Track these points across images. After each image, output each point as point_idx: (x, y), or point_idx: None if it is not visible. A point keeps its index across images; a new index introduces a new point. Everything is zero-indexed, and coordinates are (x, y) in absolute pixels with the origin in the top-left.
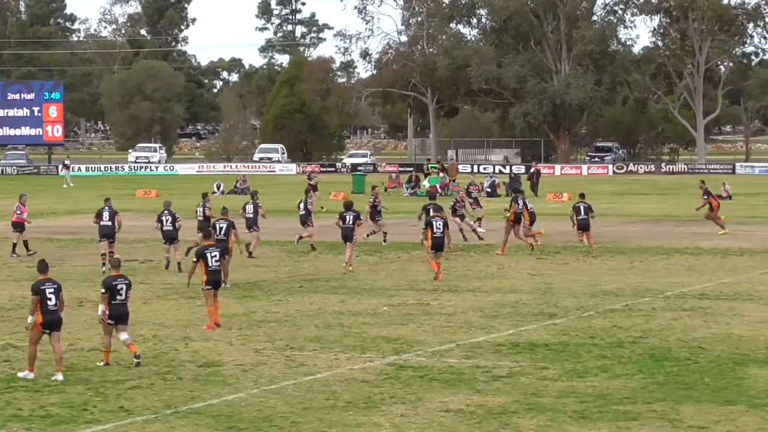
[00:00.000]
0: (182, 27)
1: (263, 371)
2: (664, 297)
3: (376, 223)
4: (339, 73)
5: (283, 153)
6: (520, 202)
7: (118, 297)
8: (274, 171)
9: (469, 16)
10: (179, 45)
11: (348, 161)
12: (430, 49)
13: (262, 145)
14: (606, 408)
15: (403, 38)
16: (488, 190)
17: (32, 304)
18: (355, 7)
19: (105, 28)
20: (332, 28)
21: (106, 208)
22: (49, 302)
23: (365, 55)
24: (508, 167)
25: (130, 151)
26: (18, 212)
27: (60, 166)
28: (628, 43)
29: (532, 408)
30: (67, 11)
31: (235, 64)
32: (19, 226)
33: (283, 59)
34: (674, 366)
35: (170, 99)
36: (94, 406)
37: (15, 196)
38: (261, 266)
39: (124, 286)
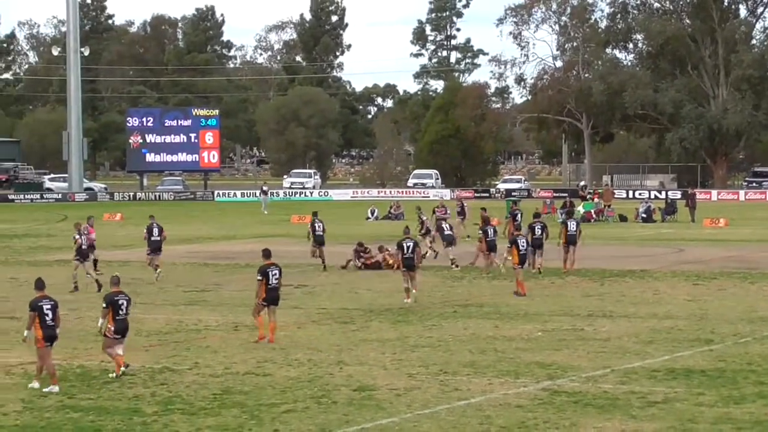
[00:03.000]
0: (337, 53)
1: (417, 396)
2: None
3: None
4: (494, 98)
5: (437, 178)
6: (570, 224)
7: (120, 312)
8: (428, 196)
9: (625, 41)
10: (334, 71)
11: (502, 187)
12: (586, 75)
13: (416, 171)
14: None
15: (559, 63)
16: (644, 215)
17: (30, 320)
18: (511, 33)
19: (261, 54)
20: (487, 53)
21: (155, 225)
22: (47, 317)
23: (520, 80)
24: (663, 192)
25: (285, 176)
26: (86, 233)
27: (258, 192)
28: None
29: None
30: (224, 38)
31: (389, 90)
32: (90, 247)
33: (437, 85)
34: None
35: (325, 125)
36: (249, 430)
37: (172, 221)
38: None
39: (125, 302)
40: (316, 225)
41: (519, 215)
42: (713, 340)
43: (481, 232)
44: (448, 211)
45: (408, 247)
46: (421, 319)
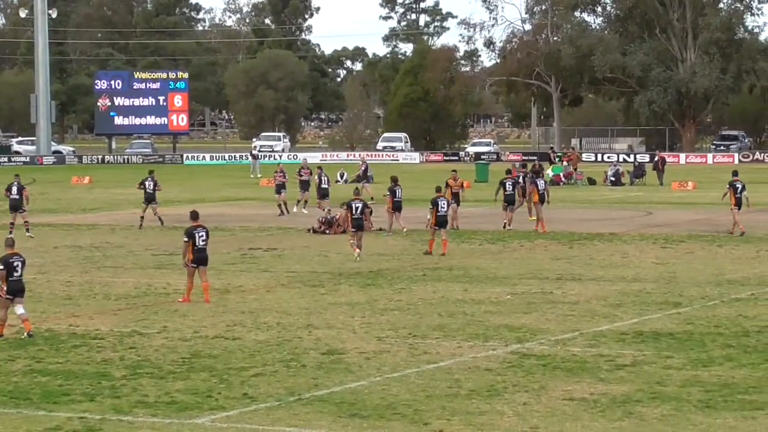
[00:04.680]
0: (306, 16)
1: (386, 359)
2: None
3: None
4: (463, 61)
5: (407, 142)
6: (540, 182)
7: (15, 273)
8: (398, 159)
9: (593, 4)
10: (303, 34)
11: (471, 150)
12: (555, 38)
13: (386, 134)
14: (731, 397)
15: (528, 27)
16: (612, 178)
17: None
18: None
19: (230, 17)
20: (456, 16)
21: (15, 183)
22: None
23: (489, 43)
24: (632, 156)
25: (253, 139)
26: None
27: (248, 155)
28: (755, 30)
29: (656, 397)
30: (192, 1)
31: (358, 53)
32: None
33: (406, 48)
34: None
35: (294, 88)
36: (218, 393)
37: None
38: (384, 255)
39: (20, 263)
40: (146, 183)
41: (521, 178)
42: (681, 303)
43: (388, 192)
44: (287, 175)
45: (357, 208)
46: (390, 282)
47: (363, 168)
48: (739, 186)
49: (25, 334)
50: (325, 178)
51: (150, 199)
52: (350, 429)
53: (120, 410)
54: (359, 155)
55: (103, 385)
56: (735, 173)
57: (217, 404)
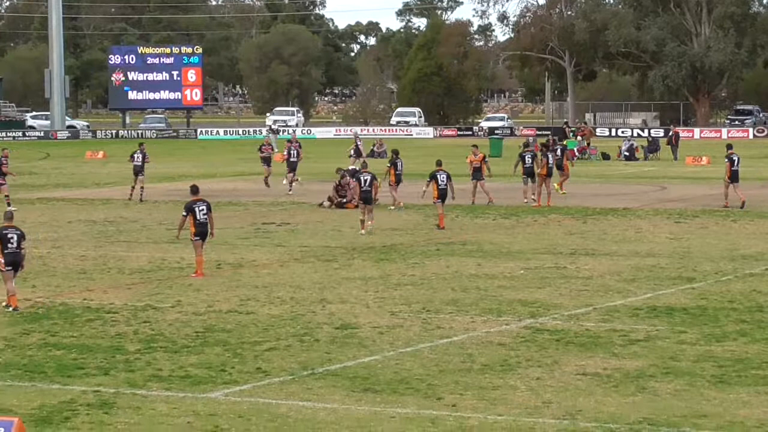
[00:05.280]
0: None
1: (399, 334)
2: None
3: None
4: (476, 36)
5: (420, 116)
6: (549, 156)
7: (10, 245)
8: (411, 134)
9: None
10: (317, 9)
11: (485, 125)
12: (569, 12)
13: (399, 109)
14: (745, 372)
15: (542, 1)
16: (626, 153)
17: None
18: None
19: None
20: None
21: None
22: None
23: (503, 18)
24: (646, 130)
25: (267, 114)
26: None
27: (265, 131)
28: None
29: (670, 372)
30: None
31: (372, 28)
32: None
33: (420, 23)
34: None
35: (308, 63)
36: (231, 367)
37: (154, 159)
38: (398, 229)
39: (15, 236)
40: (135, 156)
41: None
42: (695, 278)
43: (390, 164)
44: (274, 149)
45: (365, 181)
46: (403, 257)
47: (356, 143)
48: (735, 159)
49: (11, 308)
50: (295, 151)
51: (137, 171)
52: (363, 403)
53: (134, 384)
54: (350, 130)
55: (117, 359)
56: (729, 146)
57: (231, 378)
